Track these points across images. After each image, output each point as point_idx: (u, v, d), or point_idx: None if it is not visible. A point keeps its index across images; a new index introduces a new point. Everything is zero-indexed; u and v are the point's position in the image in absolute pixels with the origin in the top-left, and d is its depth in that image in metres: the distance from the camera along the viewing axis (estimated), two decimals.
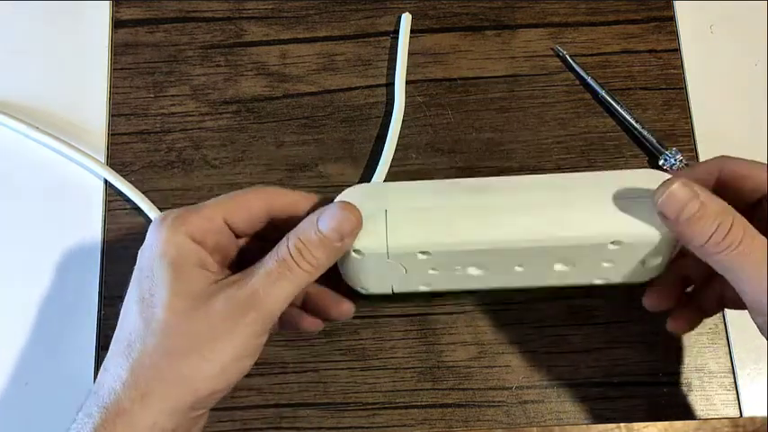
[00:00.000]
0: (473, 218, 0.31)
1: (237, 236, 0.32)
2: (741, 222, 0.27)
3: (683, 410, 0.39)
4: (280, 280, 0.29)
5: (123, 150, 0.43)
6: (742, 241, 0.27)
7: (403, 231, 0.31)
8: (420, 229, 0.31)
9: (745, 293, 0.28)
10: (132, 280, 0.30)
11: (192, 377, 0.28)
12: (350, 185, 0.34)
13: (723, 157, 0.31)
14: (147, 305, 0.29)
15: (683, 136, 0.43)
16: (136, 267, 0.30)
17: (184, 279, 0.29)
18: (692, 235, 0.28)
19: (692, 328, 0.37)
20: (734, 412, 0.39)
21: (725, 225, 0.27)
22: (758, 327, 0.29)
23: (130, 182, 0.42)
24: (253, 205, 0.32)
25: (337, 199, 0.32)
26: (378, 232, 0.31)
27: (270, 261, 0.30)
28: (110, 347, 0.30)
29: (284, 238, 0.30)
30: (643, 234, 0.30)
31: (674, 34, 0.45)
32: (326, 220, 0.30)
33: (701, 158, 0.42)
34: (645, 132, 0.42)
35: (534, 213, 0.31)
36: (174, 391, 0.28)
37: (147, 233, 0.31)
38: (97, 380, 0.29)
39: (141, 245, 0.31)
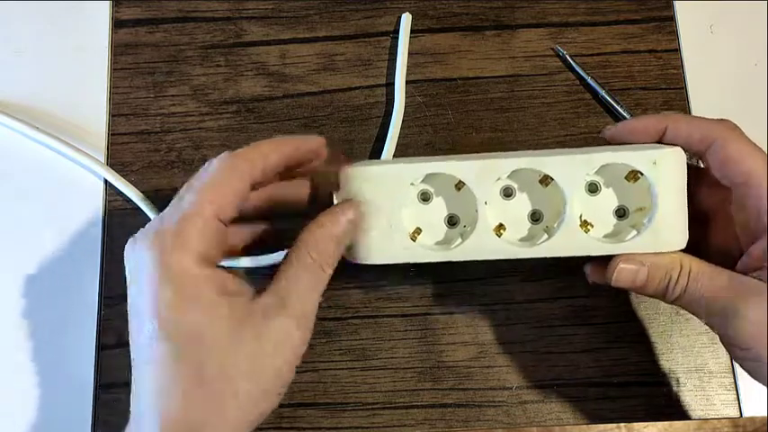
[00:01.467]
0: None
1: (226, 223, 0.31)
2: (687, 269, 0.31)
3: (683, 410, 0.39)
4: (314, 292, 0.30)
5: (123, 150, 0.43)
6: (688, 286, 0.31)
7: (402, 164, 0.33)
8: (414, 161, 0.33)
9: (711, 327, 0.32)
10: (147, 325, 0.28)
11: (255, 406, 0.29)
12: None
13: (664, 116, 0.33)
14: (185, 352, 0.27)
15: None
16: (150, 312, 0.28)
17: (216, 315, 0.28)
18: (650, 294, 0.32)
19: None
20: (734, 412, 0.39)
21: (673, 277, 0.31)
22: (729, 353, 0.33)
23: (130, 182, 0.42)
24: (237, 188, 0.30)
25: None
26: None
27: (302, 275, 0.30)
28: (134, 396, 0.29)
29: (302, 249, 0.30)
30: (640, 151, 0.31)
31: (674, 34, 0.45)
32: (343, 227, 0.31)
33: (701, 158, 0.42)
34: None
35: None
36: (237, 423, 0.28)
37: (141, 262, 0.28)
38: (134, 417, 0.28)
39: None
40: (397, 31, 0.45)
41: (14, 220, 0.42)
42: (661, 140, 0.32)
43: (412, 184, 0.33)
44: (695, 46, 0.44)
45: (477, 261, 0.33)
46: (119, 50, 0.45)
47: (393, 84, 0.44)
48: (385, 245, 0.33)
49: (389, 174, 0.32)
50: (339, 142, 0.43)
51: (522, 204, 0.34)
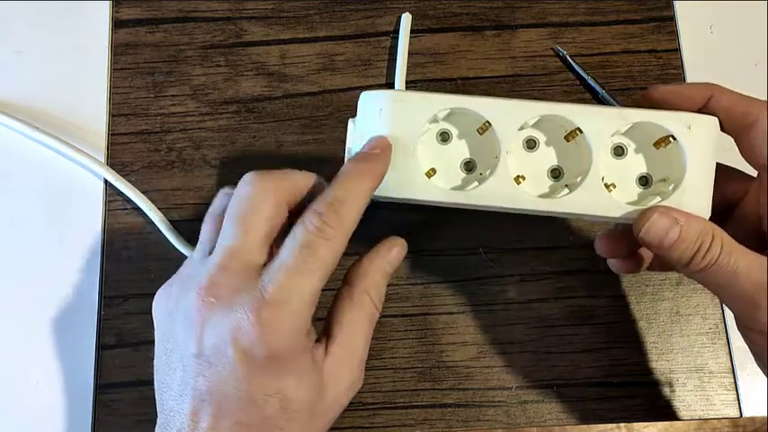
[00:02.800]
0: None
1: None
2: (719, 239, 0.29)
3: (683, 410, 0.39)
4: (370, 330, 0.32)
5: (123, 150, 0.43)
6: (720, 255, 0.29)
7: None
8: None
9: (735, 306, 0.30)
10: (259, 394, 0.28)
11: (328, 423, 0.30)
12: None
13: (711, 85, 0.32)
14: (285, 419, 0.28)
15: None
16: (286, 405, 0.28)
17: (306, 383, 0.29)
18: (676, 257, 0.29)
19: (633, 271, 0.37)
20: (734, 412, 0.39)
21: (705, 244, 0.29)
22: (744, 338, 0.31)
23: (130, 182, 0.42)
24: (277, 213, 0.30)
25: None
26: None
27: (364, 320, 0.31)
28: None
29: (363, 292, 0.31)
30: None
31: (674, 34, 0.45)
32: (393, 264, 0.33)
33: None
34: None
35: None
36: None
37: (249, 342, 0.27)
38: None
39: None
40: (397, 31, 0.45)
41: (14, 219, 0.42)
42: (702, 110, 0.31)
43: (435, 120, 0.32)
44: (695, 46, 0.44)
45: (491, 212, 0.31)
46: (119, 50, 0.45)
47: (393, 84, 0.44)
48: (398, 178, 0.31)
49: (413, 101, 0.31)
50: (339, 142, 0.43)
51: (544, 158, 0.32)
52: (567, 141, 0.31)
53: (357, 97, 0.44)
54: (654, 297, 0.40)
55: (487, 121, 0.31)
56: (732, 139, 0.32)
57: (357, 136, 0.32)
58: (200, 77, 0.44)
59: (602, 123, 0.30)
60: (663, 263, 0.35)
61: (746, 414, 0.39)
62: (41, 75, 0.45)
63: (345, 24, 0.45)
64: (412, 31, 0.45)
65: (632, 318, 0.40)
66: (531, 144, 0.32)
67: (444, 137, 0.33)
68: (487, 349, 0.40)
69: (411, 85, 0.44)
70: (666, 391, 0.39)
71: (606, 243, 0.35)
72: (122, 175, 0.42)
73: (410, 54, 0.44)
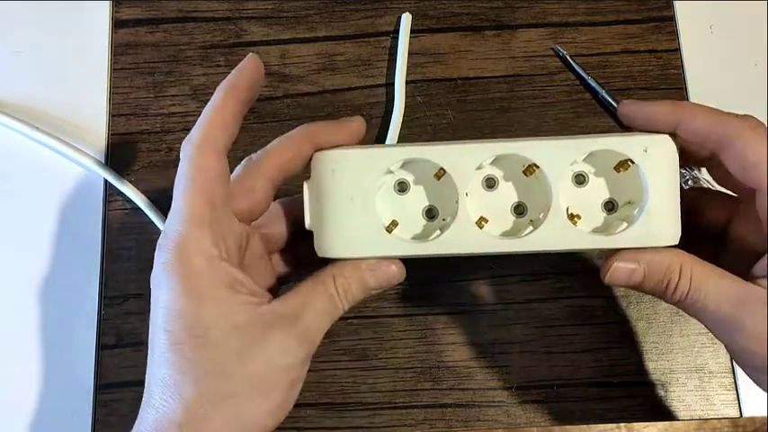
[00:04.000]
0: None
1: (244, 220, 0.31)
2: (688, 272, 0.29)
3: (683, 410, 0.39)
4: (327, 317, 0.30)
5: (123, 150, 0.43)
6: (690, 291, 0.29)
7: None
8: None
9: (714, 335, 0.30)
10: (155, 317, 0.28)
11: (255, 417, 0.28)
12: None
13: (678, 105, 0.30)
14: (189, 347, 0.27)
15: None
16: (156, 304, 0.28)
17: (225, 312, 0.28)
18: (652, 293, 0.30)
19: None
20: (734, 412, 0.39)
21: (672, 282, 0.29)
22: (735, 361, 0.31)
23: (130, 182, 0.42)
24: (254, 189, 0.30)
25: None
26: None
27: (318, 299, 0.29)
28: (149, 382, 0.28)
29: (329, 273, 0.30)
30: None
31: (674, 34, 0.45)
32: (376, 277, 0.30)
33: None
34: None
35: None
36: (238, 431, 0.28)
37: (155, 262, 0.28)
38: (144, 417, 0.28)
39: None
40: (397, 31, 0.45)
41: (14, 220, 0.42)
42: (676, 131, 0.30)
43: (389, 171, 0.31)
44: (695, 46, 0.44)
45: (458, 257, 0.30)
46: (119, 50, 0.45)
47: (393, 84, 0.44)
48: (358, 238, 0.30)
49: (363, 158, 0.30)
50: None
51: (505, 196, 0.31)
52: (527, 176, 0.31)
53: (357, 97, 0.44)
54: (654, 297, 0.40)
55: (442, 168, 0.30)
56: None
57: (313, 199, 0.31)
58: (200, 77, 0.44)
59: (557, 156, 0.29)
60: None
61: (746, 414, 0.39)
62: (41, 75, 0.45)
63: (345, 24, 0.45)
64: (412, 31, 0.45)
65: (632, 318, 0.40)
66: (490, 183, 0.31)
67: (402, 186, 0.32)
68: (487, 349, 0.40)
69: (411, 84, 0.44)
70: (666, 391, 0.39)
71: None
72: (122, 175, 0.42)
73: (410, 54, 0.44)
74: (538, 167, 0.30)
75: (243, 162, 0.31)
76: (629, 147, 0.29)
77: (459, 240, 0.30)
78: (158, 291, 0.28)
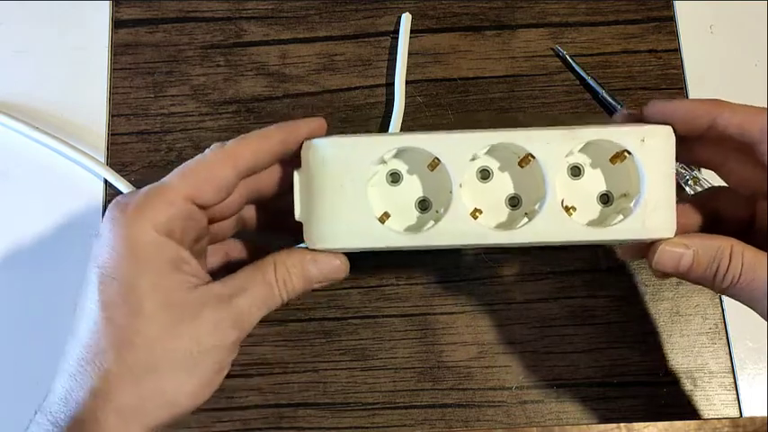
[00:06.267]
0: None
1: (207, 208, 0.30)
2: (739, 255, 0.28)
3: (683, 410, 0.39)
4: (263, 304, 0.29)
5: (123, 150, 0.43)
6: (742, 273, 0.28)
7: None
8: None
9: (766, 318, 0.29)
10: (91, 275, 0.27)
11: (176, 394, 0.27)
12: None
13: (718, 103, 0.30)
14: (119, 312, 0.27)
15: None
16: (94, 260, 0.27)
17: (162, 285, 0.27)
18: (698, 280, 0.29)
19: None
20: (734, 412, 0.39)
21: (723, 264, 0.28)
22: None
23: (130, 182, 0.42)
24: (218, 174, 0.29)
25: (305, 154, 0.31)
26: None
27: (256, 284, 0.29)
28: (69, 343, 0.28)
29: (270, 261, 0.30)
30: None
31: (674, 34, 0.45)
32: (320, 269, 0.30)
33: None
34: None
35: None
36: (156, 407, 0.27)
37: (105, 219, 0.28)
38: (59, 384, 0.27)
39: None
40: (397, 31, 0.45)
41: (14, 220, 0.42)
42: (712, 126, 0.29)
43: (382, 161, 0.30)
44: (695, 46, 0.44)
45: (452, 249, 0.30)
46: (119, 50, 0.45)
47: (393, 84, 0.44)
48: (350, 228, 0.30)
49: (355, 145, 0.29)
50: None
51: (499, 187, 0.31)
52: (522, 167, 0.30)
53: (357, 97, 0.44)
54: (654, 297, 0.40)
55: (437, 157, 0.29)
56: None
57: (304, 189, 0.31)
58: (200, 77, 0.44)
59: (553, 146, 0.29)
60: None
61: (746, 414, 0.39)
62: (41, 75, 0.45)
63: (345, 24, 0.45)
64: (412, 31, 0.45)
65: (632, 318, 0.40)
66: (485, 174, 0.31)
67: (395, 177, 0.31)
68: (487, 349, 0.40)
69: (411, 84, 0.44)
70: (666, 391, 0.39)
71: (625, 248, 0.34)
72: (122, 175, 0.42)
73: (410, 54, 0.44)
74: (533, 158, 0.29)
75: (212, 146, 0.30)
76: (625, 137, 0.29)
77: (452, 231, 0.29)
78: (100, 247, 0.27)
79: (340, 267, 0.31)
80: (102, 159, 0.43)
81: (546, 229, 0.29)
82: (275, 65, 0.44)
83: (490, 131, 0.29)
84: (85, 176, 0.43)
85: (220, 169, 0.29)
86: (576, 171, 0.31)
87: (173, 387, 0.27)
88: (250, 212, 0.35)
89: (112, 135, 0.43)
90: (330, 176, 0.29)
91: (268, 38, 0.45)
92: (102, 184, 0.43)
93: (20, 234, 0.42)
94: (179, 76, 0.44)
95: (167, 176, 0.29)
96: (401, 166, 0.31)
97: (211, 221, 0.31)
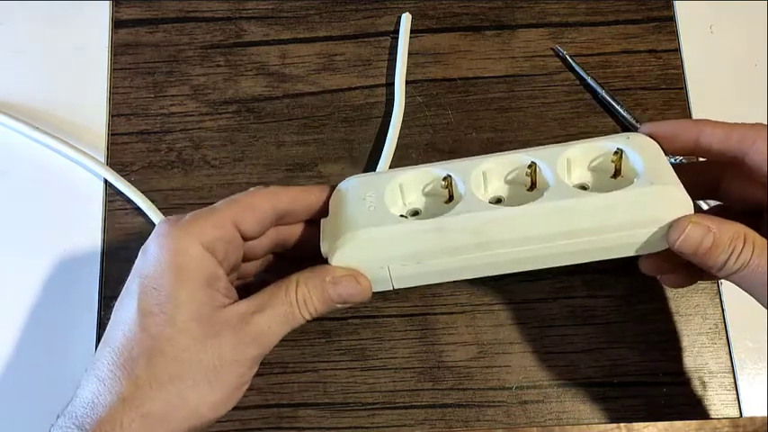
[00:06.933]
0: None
1: (245, 239, 0.32)
2: (751, 242, 0.29)
3: (683, 410, 0.39)
4: (284, 323, 0.30)
5: (123, 150, 0.43)
6: (752, 258, 0.29)
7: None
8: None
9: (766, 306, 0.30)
10: (132, 285, 0.29)
11: (198, 404, 0.28)
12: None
13: (699, 122, 0.32)
14: (155, 321, 0.28)
15: None
16: (137, 272, 0.29)
17: (197, 298, 0.29)
18: (710, 263, 0.30)
19: (683, 286, 0.37)
20: (734, 412, 0.39)
21: (737, 249, 0.29)
22: None
23: (130, 182, 0.42)
24: (260, 206, 0.31)
25: (335, 192, 0.33)
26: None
27: (276, 303, 0.30)
28: (101, 348, 0.29)
29: (293, 280, 0.31)
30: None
31: (674, 34, 0.45)
32: (339, 291, 0.31)
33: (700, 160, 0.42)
34: None
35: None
36: (179, 416, 0.28)
37: (153, 235, 0.30)
38: (86, 389, 0.28)
39: (142, 244, 0.31)
40: (397, 31, 0.45)
41: (14, 220, 0.42)
42: (696, 144, 0.32)
43: (401, 216, 0.32)
44: (695, 46, 0.44)
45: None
46: (119, 50, 0.45)
47: (393, 84, 0.44)
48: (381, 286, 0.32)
49: (379, 178, 0.32)
50: (339, 142, 0.43)
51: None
52: (530, 192, 0.32)
53: (357, 97, 0.44)
54: (654, 297, 0.40)
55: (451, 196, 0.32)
56: None
57: (328, 225, 0.32)
58: (200, 77, 0.44)
59: (551, 168, 0.31)
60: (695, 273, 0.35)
61: (746, 414, 0.39)
62: (41, 75, 0.45)
63: (345, 24, 0.45)
64: (412, 31, 0.45)
65: (632, 318, 0.40)
66: (497, 201, 0.33)
67: (414, 212, 0.33)
68: (487, 349, 0.40)
69: (411, 84, 0.44)
70: (666, 391, 0.39)
71: (650, 261, 0.35)
72: (122, 175, 0.42)
73: (410, 54, 0.44)
74: (539, 188, 0.31)
75: (256, 187, 0.33)
76: (611, 140, 0.32)
77: (473, 207, 0.30)
78: (145, 257, 0.29)
79: (361, 291, 0.31)
80: (102, 159, 0.43)
81: (559, 205, 0.30)
82: (275, 65, 0.44)
83: (489, 159, 0.32)
84: (85, 176, 0.43)
85: (262, 203, 0.31)
86: (582, 188, 0.32)
87: (195, 397, 0.28)
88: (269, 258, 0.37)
89: (112, 135, 0.43)
90: (353, 193, 0.32)
91: (268, 38, 0.45)
92: (102, 184, 0.43)
93: (19, 234, 0.42)
94: (179, 76, 0.44)
95: (216, 204, 0.31)
96: (421, 204, 0.33)
97: (243, 260, 0.33)
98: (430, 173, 0.32)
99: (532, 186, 0.32)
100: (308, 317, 0.31)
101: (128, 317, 0.29)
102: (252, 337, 0.29)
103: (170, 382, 0.28)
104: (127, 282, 0.30)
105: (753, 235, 0.29)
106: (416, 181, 0.33)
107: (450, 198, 0.32)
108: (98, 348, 0.29)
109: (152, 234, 0.30)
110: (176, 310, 0.28)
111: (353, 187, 0.32)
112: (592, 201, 0.30)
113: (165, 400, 0.28)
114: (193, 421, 0.28)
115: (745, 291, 0.30)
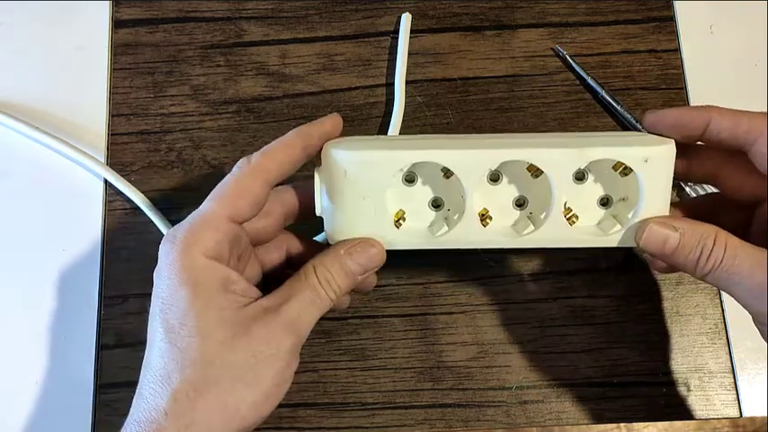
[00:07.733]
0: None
1: (242, 222, 0.32)
2: (723, 241, 0.29)
3: (683, 410, 0.39)
4: (311, 307, 0.30)
5: (123, 150, 0.43)
6: (724, 258, 0.29)
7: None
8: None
9: (744, 305, 0.30)
10: (155, 308, 0.29)
11: (238, 406, 0.28)
12: None
13: (709, 108, 0.31)
14: (179, 335, 0.28)
15: None
16: (156, 295, 0.30)
17: (214, 305, 0.29)
18: (681, 262, 0.30)
19: (669, 272, 0.38)
20: (734, 412, 0.39)
21: (707, 248, 0.29)
22: (760, 332, 0.31)
23: (130, 182, 0.42)
24: (250, 189, 0.31)
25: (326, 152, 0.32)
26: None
27: (301, 290, 0.30)
28: (142, 373, 0.29)
29: (309, 265, 0.31)
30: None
31: (674, 34, 0.45)
32: (355, 260, 0.31)
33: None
34: (645, 132, 0.42)
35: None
36: (221, 421, 0.28)
37: (160, 256, 0.30)
38: (135, 407, 0.29)
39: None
40: (397, 31, 0.45)
41: (14, 220, 0.42)
42: (704, 133, 0.31)
43: (400, 170, 0.32)
44: (695, 46, 0.44)
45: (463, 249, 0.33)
46: (119, 50, 0.45)
47: (393, 84, 0.44)
48: (369, 231, 0.32)
49: (375, 161, 0.31)
50: None
51: (507, 190, 0.33)
52: (530, 173, 0.32)
53: (357, 97, 0.44)
54: (654, 297, 0.40)
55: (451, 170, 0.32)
56: None
57: (324, 192, 0.32)
58: (200, 77, 0.44)
59: (562, 163, 0.31)
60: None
61: (746, 414, 0.39)
62: (41, 75, 0.45)
63: (345, 24, 0.45)
64: (412, 31, 0.45)
65: (632, 318, 0.40)
66: (494, 177, 0.33)
67: (410, 178, 0.33)
68: (487, 349, 0.40)
69: (411, 84, 0.44)
70: (666, 391, 0.39)
71: (654, 262, 0.35)
72: (122, 175, 0.42)
73: (410, 54, 0.44)
74: (542, 172, 0.31)
75: (239, 163, 0.32)
76: (630, 157, 0.31)
77: (464, 237, 0.32)
78: (159, 280, 0.30)
79: (376, 254, 0.32)
80: (102, 159, 0.43)
81: (549, 236, 0.32)
82: (275, 65, 0.44)
83: (504, 148, 0.31)
84: (85, 176, 0.43)
85: (251, 184, 0.31)
86: (580, 175, 0.33)
87: (234, 399, 0.28)
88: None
89: (112, 135, 0.43)
90: (351, 188, 0.31)
91: (268, 38, 0.45)
92: (102, 184, 0.43)
93: (20, 234, 0.42)
94: (179, 76, 0.44)
95: (205, 202, 0.31)
96: (416, 169, 0.33)
97: (256, 244, 0.33)
98: (431, 161, 0.31)
99: (532, 169, 0.32)
100: (333, 297, 0.31)
101: (157, 338, 0.29)
102: (283, 326, 0.29)
103: (206, 390, 0.28)
104: (150, 307, 0.30)
105: (725, 236, 0.29)
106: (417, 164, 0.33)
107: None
108: (141, 373, 0.30)
109: (159, 253, 0.30)
110: (197, 319, 0.28)
111: (353, 176, 0.31)
112: (581, 240, 0.32)
113: (204, 408, 0.28)
114: (236, 424, 0.29)
115: (724, 291, 0.30)
